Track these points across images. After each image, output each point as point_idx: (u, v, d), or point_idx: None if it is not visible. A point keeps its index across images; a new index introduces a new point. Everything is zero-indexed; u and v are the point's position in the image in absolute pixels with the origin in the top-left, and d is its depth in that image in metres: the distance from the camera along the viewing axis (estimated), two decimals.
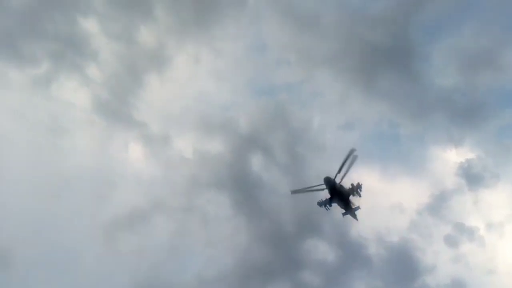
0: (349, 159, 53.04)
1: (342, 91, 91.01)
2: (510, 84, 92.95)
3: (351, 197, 56.62)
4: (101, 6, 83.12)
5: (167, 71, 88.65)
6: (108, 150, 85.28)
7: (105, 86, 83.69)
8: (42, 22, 79.41)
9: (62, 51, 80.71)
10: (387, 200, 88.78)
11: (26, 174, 76.31)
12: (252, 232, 74.84)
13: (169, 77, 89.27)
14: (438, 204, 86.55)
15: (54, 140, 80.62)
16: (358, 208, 58.04)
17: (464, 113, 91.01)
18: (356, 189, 55.46)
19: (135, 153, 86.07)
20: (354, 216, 58.86)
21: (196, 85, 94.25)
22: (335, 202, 57.20)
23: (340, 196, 56.12)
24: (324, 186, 55.45)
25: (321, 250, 74.83)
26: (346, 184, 55.41)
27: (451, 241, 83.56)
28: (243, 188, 76.54)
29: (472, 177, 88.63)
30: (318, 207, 57.53)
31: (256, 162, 78.80)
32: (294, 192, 57.44)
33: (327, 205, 57.46)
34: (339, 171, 54.03)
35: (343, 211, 58.23)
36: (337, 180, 55.06)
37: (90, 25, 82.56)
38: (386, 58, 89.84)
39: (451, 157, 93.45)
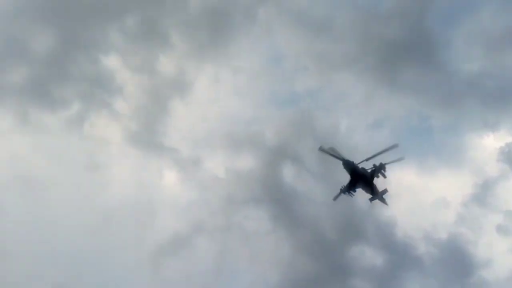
0: (386, 152, 49.70)
1: (366, 90, 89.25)
2: None
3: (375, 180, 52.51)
4: (120, 42, 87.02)
5: (190, 95, 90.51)
6: (144, 179, 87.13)
7: (134, 118, 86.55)
8: (68, 66, 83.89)
9: (90, 90, 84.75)
10: (429, 195, 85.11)
11: (70, 213, 79.08)
12: (295, 244, 73.34)
13: (192, 100, 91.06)
14: (483, 194, 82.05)
15: (92, 177, 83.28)
16: (385, 191, 54.15)
17: (496, 96, 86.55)
18: (379, 170, 51.39)
19: (170, 179, 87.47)
20: (383, 201, 55.13)
21: (218, 104, 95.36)
22: (359, 187, 53.59)
23: (363, 179, 52.53)
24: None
25: (368, 255, 72.19)
26: (368, 166, 51.77)
27: (504, 231, 78.32)
28: (279, 201, 75.68)
29: None
30: (343, 195, 54.12)
31: (288, 173, 78.04)
32: (322, 150, 52.45)
33: (351, 191, 53.93)
34: (367, 160, 50.88)
35: (369, 196, 54.52)
36: (359, 166, 51.52)
37: (112, 62, 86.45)
38: (406, 51, 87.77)
39: (489, 143, 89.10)
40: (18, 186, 77.73)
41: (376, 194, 54.45)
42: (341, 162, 52.10)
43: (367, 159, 51.24)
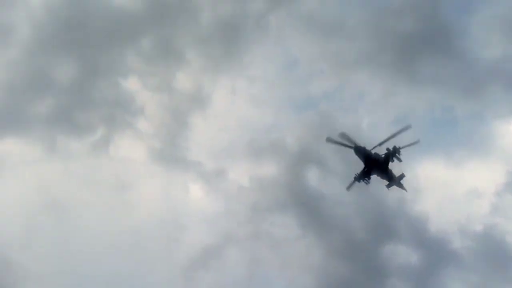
0: (399, 134, 47.46)
1: (385, 87, 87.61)
2: None
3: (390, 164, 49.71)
4: (138, 64, 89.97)
5: (209, 108, 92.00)
6: (170, 194, 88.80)
7: (156, 135, 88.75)
8: (90, 92, 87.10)
9: (112, 113, 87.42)
10: (459, 187, 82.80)
11: (101, 235, 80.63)
12: (325, 248, 72.26)
13: (211, 113, 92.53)
14: None
15: (121, 197, 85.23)
16: (403, 176, 51.69)
17: None
18: (393, 154, 48.67)
19: (195, 192, 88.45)
20: (401, 186, 52.71)
21: (237, 114, 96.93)
22: (374, 173, 51.12)
23: (377, 164, 50.04)
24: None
25: (402, 253, 69.88)
26: (381, 151, 49.43)
27: None
28: (305, 205, 74.98)
29: None
30: (357, 182, 51.79)
31: (313, 177, 77.09)
32: (330, 141, 50.44)
33: (366, 179, 51.41)
34: (380, 144, 48.53)
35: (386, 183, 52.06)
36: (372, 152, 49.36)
37: (131, 84, 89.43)
38: (423, 43, 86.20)
39: None
40: (50, 212, 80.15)
41: (393, 180, 52.07)
42: (353, 151, 50.29)
43: (380, 144, 49.10)
